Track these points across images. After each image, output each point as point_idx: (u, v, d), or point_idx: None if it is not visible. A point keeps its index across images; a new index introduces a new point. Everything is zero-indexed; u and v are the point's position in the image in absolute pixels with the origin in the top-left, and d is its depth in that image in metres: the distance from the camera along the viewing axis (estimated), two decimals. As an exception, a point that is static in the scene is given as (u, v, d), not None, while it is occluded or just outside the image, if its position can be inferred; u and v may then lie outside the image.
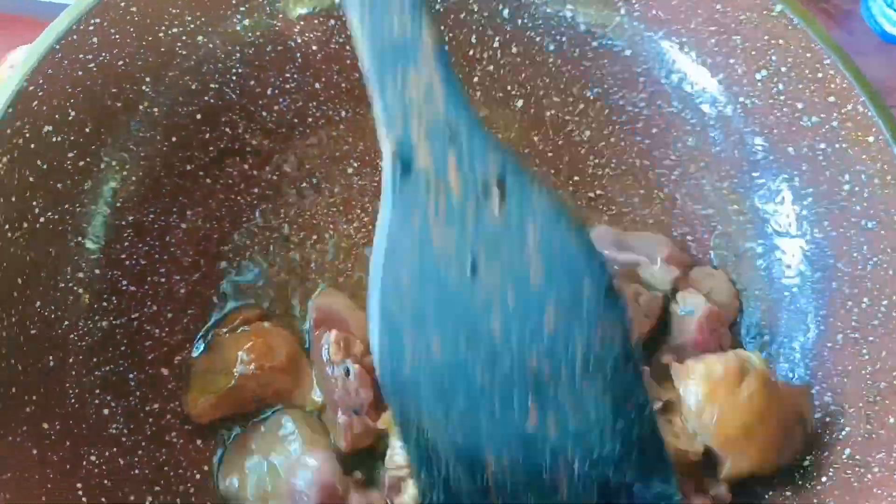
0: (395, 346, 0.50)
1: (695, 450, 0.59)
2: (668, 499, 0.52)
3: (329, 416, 0.69)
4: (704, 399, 0.60)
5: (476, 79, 0.85)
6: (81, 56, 0.70)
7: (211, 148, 0.80)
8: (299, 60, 0.81)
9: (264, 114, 0.82)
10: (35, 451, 0.61)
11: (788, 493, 0.64)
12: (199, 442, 0.70)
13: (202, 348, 0.74)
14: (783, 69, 0.73)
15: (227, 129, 0.81)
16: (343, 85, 0.83)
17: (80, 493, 0.62)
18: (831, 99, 0.70)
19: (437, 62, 0.51)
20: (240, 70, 0.80)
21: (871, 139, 0.67)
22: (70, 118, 0.70)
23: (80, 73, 0.70)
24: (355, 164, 0.82)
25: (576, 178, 0.82)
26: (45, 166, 0.68)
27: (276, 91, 0.82)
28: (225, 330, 0.73)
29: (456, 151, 0.51)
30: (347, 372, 0.68)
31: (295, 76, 0.82)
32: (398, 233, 0.50)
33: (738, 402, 0.59)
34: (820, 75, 0.70)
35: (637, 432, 0.50)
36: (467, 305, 0.49)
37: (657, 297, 0.72)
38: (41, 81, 0.67)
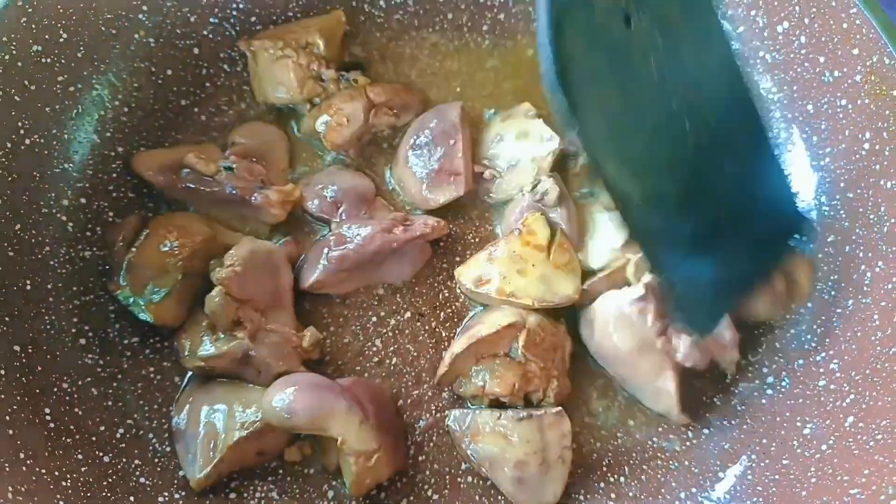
0: (586, 105, 0.54)
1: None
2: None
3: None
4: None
5: (486, 27, 0.82)
6: (74, -25, 0.68)
7: (207, 84, 0.78)
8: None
9: (264, 52, 0.80)
10: (2, 372, 0.60)
11: (786, 461, 0.61)
12: (176, 379, 0.68)
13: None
14: (806, 20, 0.69)
15: (226, 67, 0.79)
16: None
17: (49, 418, 0.61)
18: (855, 52, 0.66)
19: None
20: (241, 6, 0.78)
21: (895, 93, 0.63)
22: (61, 40, 0.68)
23: (72, -8, 0.68)
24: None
25: (583, 132, 0.79)
26: (32, 87, 0.67)
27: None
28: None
29: None
30: (229, 168, 0.70)
31: (297, 14, 0.79)
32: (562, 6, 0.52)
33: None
34: (845, 25, 0.66)
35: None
36: (630, 55, 0.54)
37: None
38: (30, -4, 0.65)
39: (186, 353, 0.66)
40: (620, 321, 0.65)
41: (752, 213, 0.61)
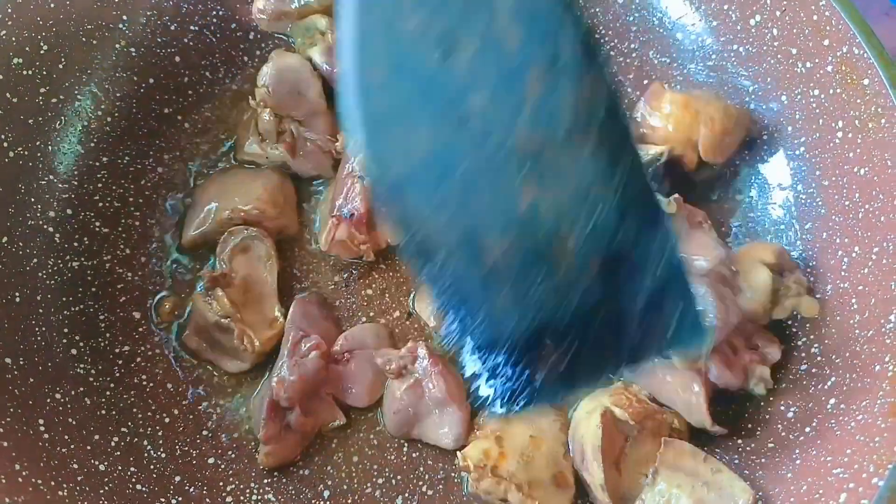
0: (381, 147, 0.47)
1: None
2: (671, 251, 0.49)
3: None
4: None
5: (464, 27, 0.82)
6: (53, -13, 0.68)
7: (189, 91, 0.78)
8: (282, 4, 0.79)
9: (245, 59, 0.80)
10: (-5, 385, 0.60)
11: (771, 445, 0.62)
12: (168, 385, 0.69)
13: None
14: (777, 13, 0.70)
15: (207, 74, 0.79)
16: (327, 32, 0.81)
17: (43, 429, 0.61)
18: (826, 42, 0.67)
19: None
20: (220, 12, 0.78)
21: (865, 81, 0.64)
22: (42, 52, 0.69)
23: (52, 4, 0.68)
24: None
25: (563, 128, 0.80)
26: (14, 99, 0.67)
27: (259, 35, 0.80)
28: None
29: None
30: (362, 179, 0.72)
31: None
32: (366, 25, 0.46)
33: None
34: (815, 18, 0.67)
35: (630, 191, 0.47)
36: (447, 88, 0.46)
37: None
38: (9, 10, 0.66)
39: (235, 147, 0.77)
40: None
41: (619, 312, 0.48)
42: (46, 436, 0.61)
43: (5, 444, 0.57)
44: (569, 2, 0.45)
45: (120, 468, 0.63)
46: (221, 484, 0.65)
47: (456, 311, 0.48)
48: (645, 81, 0.80)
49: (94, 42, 0.72)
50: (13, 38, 0.66)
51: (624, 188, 0.47)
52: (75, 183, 0.71)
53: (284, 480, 0.66)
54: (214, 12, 0.78)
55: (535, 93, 0.45)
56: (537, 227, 0.47)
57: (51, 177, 0.70)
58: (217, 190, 0.75)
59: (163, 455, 0.66)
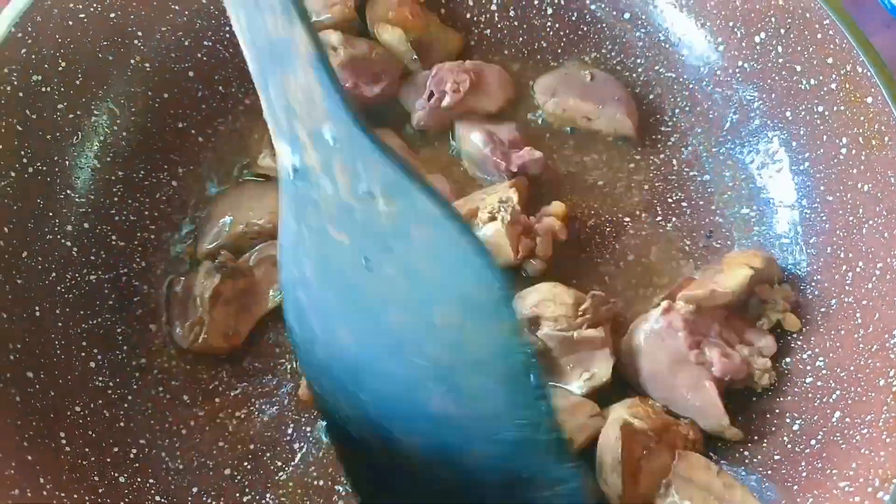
0: (306, 332, 0.52)
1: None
2: (569, 481, 0.52)
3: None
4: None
5: (472, 42, 0.84)
6: (72, 5, 0.69)
7: (203, 106, 0.79)
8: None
9: (258, 73, 0.81)
10: (18, 399, 0.61)
11: (777, 457, 0.64)
12: (185, 397, 0.70)
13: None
14: (782, 31, 0.72)
15: (220, 88, 0.80)
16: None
17: (64, 441, 0.62)
18: (830, 60, 0.69)
19: (314, 68, 0.47)
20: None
21: (869, 100, 0.66)
22: (60, 69, 0.70)
23: (70, 22, 0.69)
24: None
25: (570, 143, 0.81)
26: (33, 115, 0.68)
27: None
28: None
29: (341, 154, 0.48)
30: None
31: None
32: (297, 226, 0.51)
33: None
34: (819, 36, 0.69)
35: (533, 425, 0.50)
36: (367, 296, 0.49)
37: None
38: (29, 28, 0.67)
39: None
40: (652, 341, 0.65)
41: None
42: (68, 448, 0.62)
43: (29, 457, 0.58)
44: (482, 257, 0.47)
45: (139, 480, 0.64)
46: (238, 495, 0.66)
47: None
48: (651, 96, 0.81)
49: (111, 58, 0.73)
50: (32, 56, 0.67)
51: (524, 423, 0.50)
52: (92, 197, 0.72)
53: (299, 491, 0.67)
54: (228, 27, 0.78)
55: (444, 323, 0.49)
56: (446, 428, 0.50)
57: (68, 191, 0.71)
58: (231, 203, 0.76)
59: (180, 466, 0.67)
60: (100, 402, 0.67)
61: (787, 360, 0.68)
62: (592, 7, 0.81)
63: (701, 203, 0.78)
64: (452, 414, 0.50)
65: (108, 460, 0.64)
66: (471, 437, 0.51)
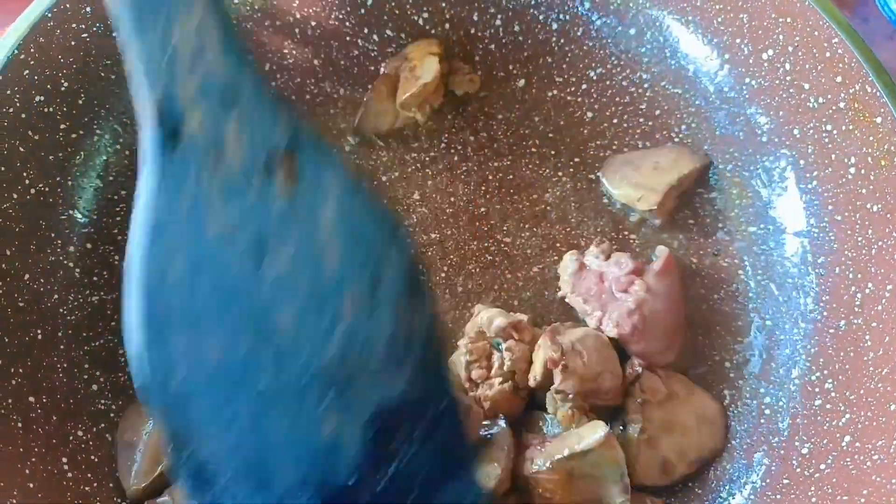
0: (161, 356, 0.41)
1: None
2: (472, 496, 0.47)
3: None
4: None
5: (477, 57, 0.83)
6: (74, 25, 0.69)
7: (206, 124, 0.79)
8: (298, 36, 0.80)
9: (261, 90, 0.81)
10: (20, 424, 0.61)
11: (786, 481, 0.63)
12: (188, 419, 0.69)
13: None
14: (790, 48, 0.71)
15: (223, 105, 0.80)
16: (342, 62, 0.82)
17: (66, 467, 0.62)
18: (838, 79, 0.68)
19: (211, 3, 0.41)
20: (237, 45, 0.79)
21: (878, 120, 0.65)
22: (62, 89, 0.69)
23: (72, 42, 0.69)
24: (353, 142, 0.81)
25: (576, 159, 0.81)
26: (36, 137, 0.68)
27: (275, 67, 0.81)
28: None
29: (237, 117, 0.41)
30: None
31: (293, 52, 0.81)
32: (164, 217, 0.41)
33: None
34: (828, 54, 0.68)
35: (442, 433, 0.45)
36: (252, 298, 0.42)
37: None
38: (32, 50, 0.66)
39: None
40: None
41: None
42: (70, 474, 0.62)
43: (31, 485, 0.58)
44: (395, 228, 0.43)
45: (142, 504, 0.64)
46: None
47: None
48: (656, 112, 0.81)
49: (113, 77, 0.73)
50: (35, 77, 0.67)
51: (433, 433, 0.44)
52: (95, 217, 0.72)
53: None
54: (230, 45, 0.79)
55: (350, 317, 0.42)
56: (337, 461, 0.43)
57: (71, 212, 0.71)
58: (234, 222, 0.75)
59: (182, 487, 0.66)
60: (102, 425, 0.66)
61: (796, 382, 0.67)
62: (598, 23, 0.81)
63: (707, 220, 0.77)
64: (346, 438, 0.43)
65: (111, 485, 0.63)
66: (370, 469, 0.44)
